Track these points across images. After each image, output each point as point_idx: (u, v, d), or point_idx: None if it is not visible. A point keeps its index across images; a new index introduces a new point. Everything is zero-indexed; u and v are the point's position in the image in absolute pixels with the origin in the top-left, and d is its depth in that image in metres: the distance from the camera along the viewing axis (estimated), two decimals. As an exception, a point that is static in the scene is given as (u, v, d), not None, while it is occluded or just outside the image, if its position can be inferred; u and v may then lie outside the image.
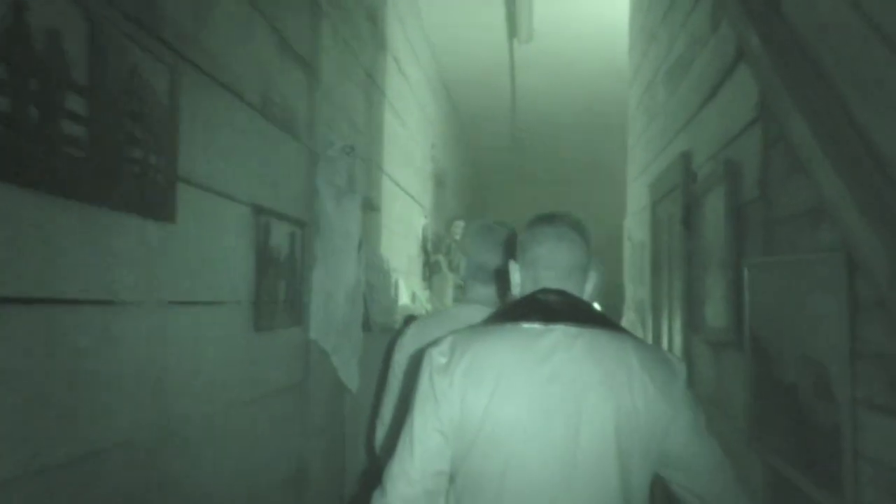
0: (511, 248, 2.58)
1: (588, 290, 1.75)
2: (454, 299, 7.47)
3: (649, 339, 4.29)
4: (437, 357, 1.64)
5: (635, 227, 5.12)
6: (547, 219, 1.74)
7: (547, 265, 1.69)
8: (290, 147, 2.97)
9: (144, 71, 1.77)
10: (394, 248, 5.25)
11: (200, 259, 2.16)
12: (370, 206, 3.65)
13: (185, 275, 2.06)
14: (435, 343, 1.70)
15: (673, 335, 3.64)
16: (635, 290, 5.07)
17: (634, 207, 5.20)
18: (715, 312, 2.75)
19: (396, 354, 2.63)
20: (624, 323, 5.56)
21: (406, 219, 5.82)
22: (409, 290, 5.86)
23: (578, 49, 7.08)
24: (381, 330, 4.25)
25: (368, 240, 4.33)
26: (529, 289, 1.72)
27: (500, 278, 2.55)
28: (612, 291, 6.87)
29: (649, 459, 1.59)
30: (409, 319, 4.39)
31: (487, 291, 2.62)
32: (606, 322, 1.68)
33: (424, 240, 6.80)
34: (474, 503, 1.59)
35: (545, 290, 1.67)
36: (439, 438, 1.60)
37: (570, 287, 1.69)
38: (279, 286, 2.83)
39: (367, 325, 4.02)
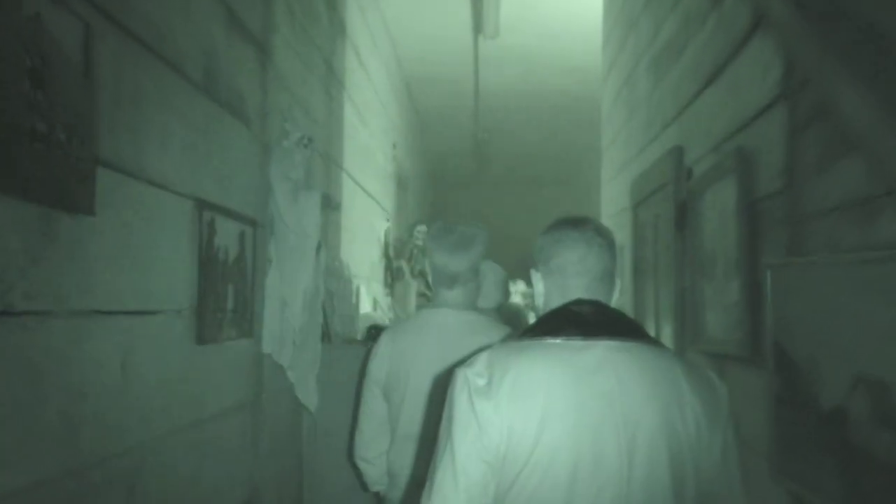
0: (481, 249, 2.48)
1: (615, 297, 1.64)
2: (417, 306, 7.13)
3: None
4: (474, 379, 1.48)
5: (613, 229, 4.83)
6: (572, 223, 1.62)
7: (576, 273, 1.57)
8: (240, 135, 2.61)
9: (50, 21, 1.41)
10: (355, 253, 4.90)
11: (128, 259, 1.79)
12: (330, 205, 3.31)
13: (107, 278, 1.69)
14: (468, 363, 1.53)
15: (661, 346, 3.34)
16: (614, 298, 4.77)
17: (611, 210, 4.92)
18: (721, 322, 2.46)
19: (371, 364, 2.49)
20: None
21: (368, 222, 5.48)
22: (370, 298, 5.51)
23: (547, 46, 6.80)
24: (344, 342, 3.90)
25: (328, 242, 3.98)
26: (557, 299, 1.58)
27: (464, 280, 2.45)
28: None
29: (700, 487, 1.48)
30: (373, 330, 4.05)
31: (454, 294, 2.46)
32: (647, 336, 1.57)
33: (386, 244, 6.45)
34: None
35: (579, 302, 1.55)
36: (485, 469, 1.45)
37: (602, 297, 1.58)
38: (226, 292, 2.47)
39: (326, 337, 3.67)
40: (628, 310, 4.13)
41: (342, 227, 4.44)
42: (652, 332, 3.48)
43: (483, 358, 1.52)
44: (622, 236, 4.38)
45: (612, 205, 4.87)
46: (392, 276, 6.61)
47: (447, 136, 10.20)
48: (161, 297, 2.00)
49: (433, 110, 9.19)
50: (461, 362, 1.55)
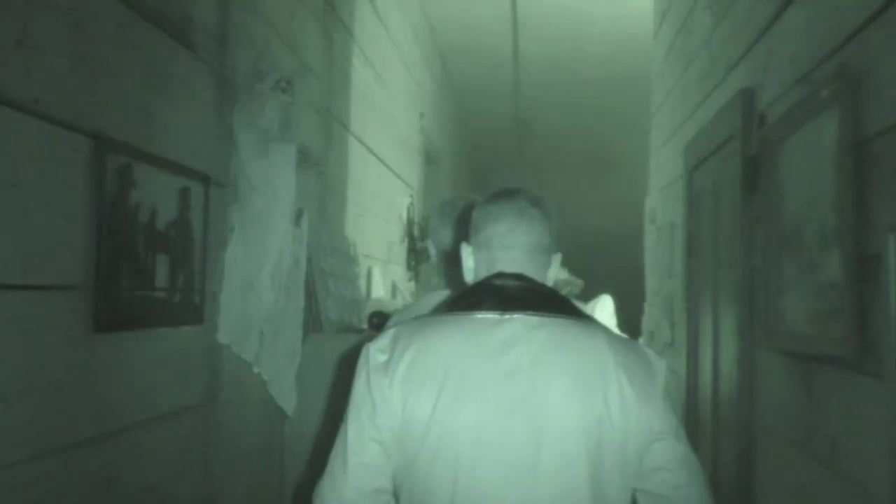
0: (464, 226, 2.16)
1: (551, 275, 1.52)
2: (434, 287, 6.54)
3: (683, 345, 3.35)
4: (375, 354, 1.41)
5: (661, 206, 4.17)
6: (505, 194, 1.52)
7: (504, 245, 1.47)
8: (184, 64, 2.04)
9: None
10: (366, 230, 4.32)
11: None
12: (308, 159, 2.71)
13: None
14: (375, 338, 1.45)
15: (721, 341, 2.70)
16: (660, 283, 4.12)
17: (660, 182, 4.26)
18: (808, 311, 1.82)
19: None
20: (645, 322, 4.62)
21: (384, 196, 4.89)
22: (387, 282, 4.93)
23: (591, 9, 6.13)
24: (341, 330, 3.33)
25: (325, 214, 3.40)
26: (484, 274, 1.49)
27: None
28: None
29: (627, 472, 1.37)
30: (376, 318, 3.47)
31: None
32: (574, 311, 1.45)
33: (410, 223, 5.85)
34: None
35: (502, 275, 1.45)
36: (377, 449, 1.37)
37: (531, 271, 1.47)
38: (154, 266, 1.90)
39: (316, 325, 3.10)
40: (679, 298, 3.48)
41: (347, 199, 3.86)
42: (709, 328, 2.84)
43: (390, 333, 1.44)
44: (672, 212, 3.73)
45: (661, 176, 4.21)
46: (416, 259, 6.01)
47: (486, 113, 9.53)
48: (28, 266, 1.44)
49: (471, 84, 8.54)
50: None
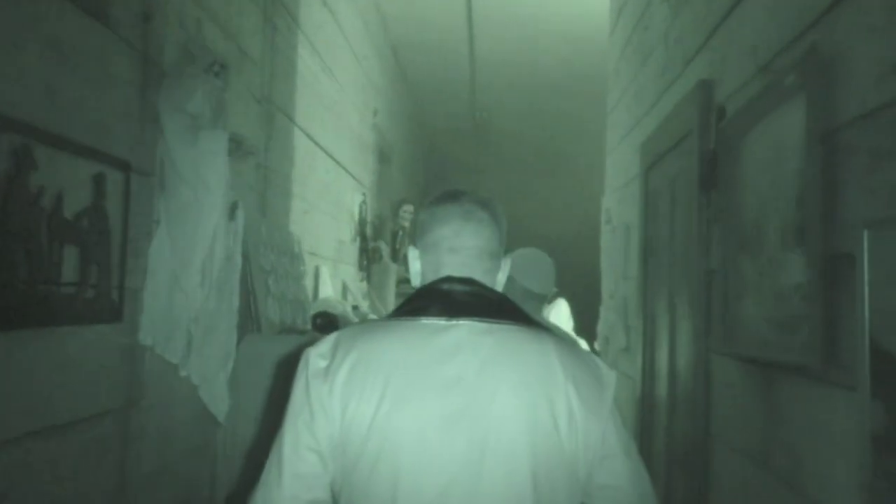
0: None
1: (501, 280, 1.49)
2: (397, 294, 6.38)
3: (638, 351, 3.24)
4: (315, 360, 1.35)
5: (617, 206, 4.06)
6: (451, 195, 1.48)
7: (451, 248, 1.43)
8: (98, 40, 1.86)
9: None
10: (313, 227, 4.15)
11: None
12: (241, 148, 2.53)
13: None
14: (315, 344, 1.38)
15: (677, 346, 2.59)
16: (616, 285, 4.01)
17: (616, 182, 4.15)
18: (769, 316, 1.70)
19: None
20: (600, 326, 4.51)
21: (333, 193, 4.71)
22: (336, 281, 4.76)
23: (547, 8, 6.02)
24: (282, 331, 3.15)
25: (266, 208, 3.23)
26: (430, 278, 1.44)
27: None
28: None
29: (574, 486, 1.32)
30: (320, 319, 3.31)
31: None
32: (523, 318, 1.41)
33: (362, 222, 5.68)
34: None
35: (449, 279, 1.41)
36: (314, 459, 1.30)
37: (478, 275, 1.43)
38: (61, 258, 1.72)
39: (254, 326, 2.93)
40: (634, 302, 3.37)
41: (292, 194, 3.69)
42: (665, 333, 2.73)
43: (332, 337, 1.38)
44: (628, 213, 3.62)
45: (617, 176, 4.10)
46: (368, 258, 5.85)
47: (443, 113, 9.40)
48: None
49: (426, 83, 8.39)
50: None
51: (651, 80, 3.18)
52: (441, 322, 1.35)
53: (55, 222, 1.69)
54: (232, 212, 2.52)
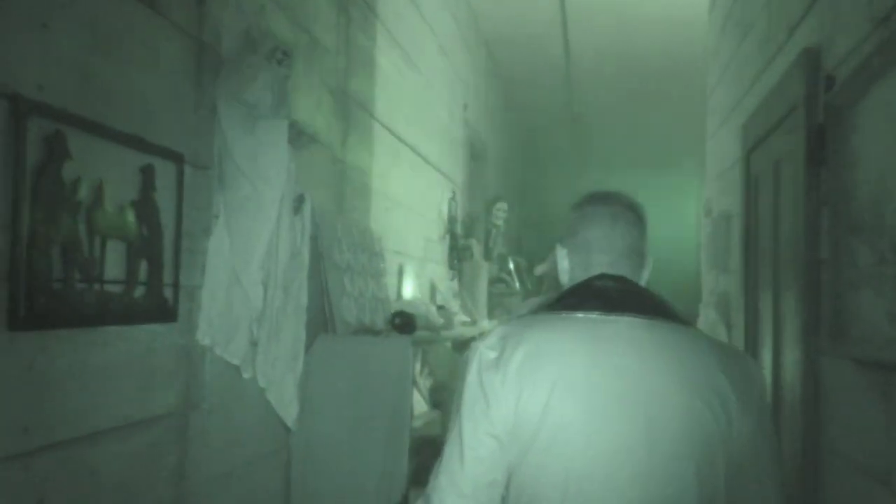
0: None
1: (645, 276, 1.54)
2: (490, 294, 6.20)
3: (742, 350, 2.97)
4: (485, 352, 1.45)
5: (717, 195, 3.78)
6: (600, 198, 1.56)
7: (601, 249, 1.51)
8: (145, 24, 1.77)
9: None
10: (397, 225, 4.03)
11: None
12: (302, 137, 2.39)
13: None
14: (482, 337, 1.50)
15: (783, 347, 2.33)
16: (716, 280, 3.73)
17: (716, 169, 3.86)
18: (890, 307, 1.45)
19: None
20: (700, 324, 4.22)
21: (420, 190, 4.58)
22: (423, 281, 4.62)
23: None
24: (359, 332, 3.03)
25: (338, 201, 3.12)
26: (580, 276, 1.52)
27: None
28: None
29: (728, 473, 1.36)
30: (398, 318, 3.17)
31: None
32: (676, 315, 1.45)
33: (451, 220, 5.53)
34: None
35: (602, 276, 1.48)
36: (493, 444, 1.40)
37: (627, 273, 1.49)
38: (104, 254, 1.63)
39: (329, 325, 2.81)
40: (736, 297, 3.10)
41: (372, 190, 3.57)
42: (769, 331, 2.47)
43: (498, 331, 1.48)
44: (728, 201, 3.35)
45: (717, 163, 3.82)
46: (458, 257, 5.69)
47: (537, 108, 9.15)
48: None
49: (520, 77, 8.17)
50: None
51: (752, 54, 2.91)
52: (599, 316, 1.43)
53: (96, 216, 1.59)
54: (298, 206, 2.41)
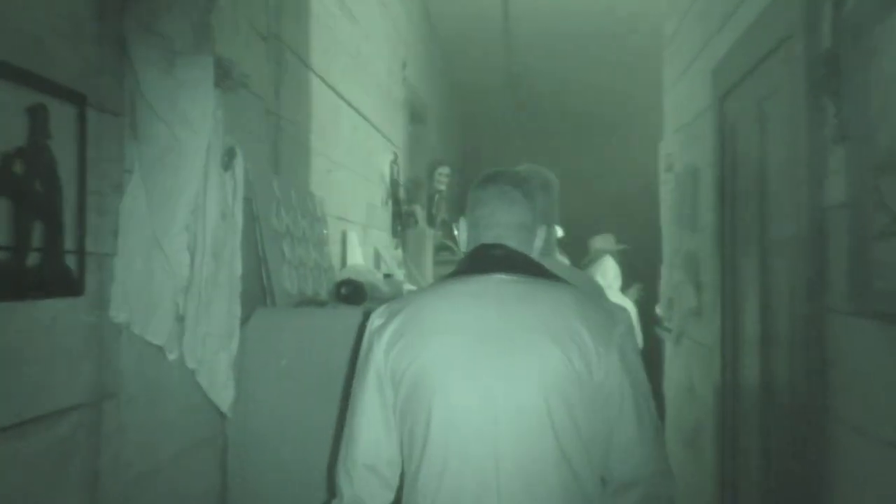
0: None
1: (538, 246, 1.74)
2: (435, 262, 5.94)
3: (715, 313, 2.76)
4: (374, 320, 1.64)
5: (679, 149, 3.56)
6: (490, 178, 1.74)
7: (486, 225, 1.70)
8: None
9: None
10: (339, 189, 3.72)
11: None
12: (229, 78, 2.06)
13: None
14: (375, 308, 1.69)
15: (773, 306, 2.11)
16: (680, 240, 3.52)
17: (677, 121, 3.64)
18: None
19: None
20: (662, 287, 4.03)
21: (361, 152, 4.27)
22: (367, 248, 4.33)
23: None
24: (301, 304, 2.73)
25: (274, 159, 2.80)
26: (472, 247, 1.71)
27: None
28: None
29: (596, 417, 1.52)
30: (344, 288, 2.87)
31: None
32: (545, 272, 1.66)
33: (394, 184, 5.23)
34: (410, 459, 1.58)
35: (484, 245, 1.68)
36: (378, 400, 1.60)
37: (514, 244, 1.67)
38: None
39: (268, 297, 2.51)
40: (708, 256, 2.89)
41: (312, 150, 3.26)
42: (755, 290, 2.26)
43: (390, 302, 1.68)
44: (695, 154, 3.13)
45: (678, 115, 3.60)
46: (402, 224, 5.41)
47: (476, 67, 8.85)
48: None
49: (457, 34, 7.86)
50: None
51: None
52: (474, 277, 1.62)
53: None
54: (228, 161, 2.09)
